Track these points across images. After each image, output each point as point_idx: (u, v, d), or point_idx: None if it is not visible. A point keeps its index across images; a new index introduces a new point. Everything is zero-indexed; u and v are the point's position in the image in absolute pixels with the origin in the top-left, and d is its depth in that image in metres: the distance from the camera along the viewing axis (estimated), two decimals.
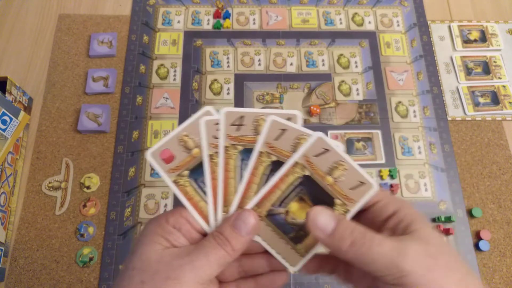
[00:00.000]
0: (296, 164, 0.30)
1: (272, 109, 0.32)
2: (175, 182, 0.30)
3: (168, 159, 0.30)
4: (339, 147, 0.30)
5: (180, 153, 0.30)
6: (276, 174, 0.30)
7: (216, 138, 0.31)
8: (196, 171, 0.30)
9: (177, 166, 0.30)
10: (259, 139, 0.30)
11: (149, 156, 0.30)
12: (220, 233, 0.28)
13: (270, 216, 0.30)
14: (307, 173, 0.30)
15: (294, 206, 0.30)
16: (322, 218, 0.28)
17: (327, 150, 0.29)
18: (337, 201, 0.29)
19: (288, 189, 0.30)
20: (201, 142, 0.30)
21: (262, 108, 0.68)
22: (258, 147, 0.30)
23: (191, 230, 0.29)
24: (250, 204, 0.30)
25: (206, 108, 0.31)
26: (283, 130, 0.30)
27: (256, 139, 0.30)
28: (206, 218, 0.30)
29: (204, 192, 0.30)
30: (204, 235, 0.29)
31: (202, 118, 0.30)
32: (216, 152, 0.30)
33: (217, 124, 0.31)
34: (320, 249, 0.29)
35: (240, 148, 0.31)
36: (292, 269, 0.30)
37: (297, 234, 0.30)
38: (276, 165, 0.30)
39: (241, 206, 0.30)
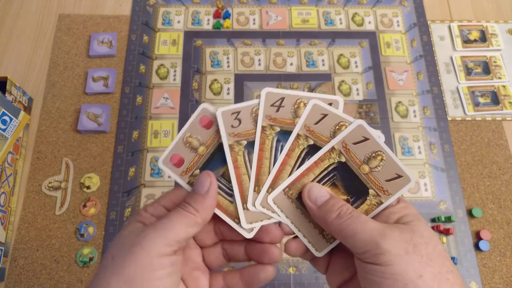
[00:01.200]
0: (333, 149, 0.30)
1: (314, 93, 0.31)
2: (189, 183, 0.31)
3: (179, 163, 0.31)
4: (380, 137, 0.29)
5: (188, 154, 0.31)
6: (312, 157, 0.29)
7: (234, 127, 0.31)
8: (205, 168, 0.31)
9: (187, 168, 0.31)
10: (299, 121, 0.30)
11: (161, 165, 0.31)
12: (184, 202, 0.29)
13: (301, 198, 0.30)
14: (343, 159, 0.30)
15: None
16: (316, 191, 0.29)
17: (366, 138, 0.29)
18: (371, 191, 0.29)
19: (322, 173, 0.30)
20: (220, 133, 0.30)
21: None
22: (297, 129, 0.30)
23: None
24: (282, 185, 0.30)
25: (202, 105, 0.31)
26: (324, 115, 0.30)
27: (295, 122, 0.30)
28: (231, 216, 0.30)
29: (225, 190, 0.30)
30: None
31: (218, 110, 0.31)
32: (236, 142, 0.31)
33: (233, 113, 0.31)
34: None
35: (278, 129, 0.30)
36: (317, 254, 0.30)
37: None
38: (313, 149, 0.30)
39: (273, 186, 0.30)
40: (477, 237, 0.60)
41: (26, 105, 0.65)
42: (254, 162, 0.30)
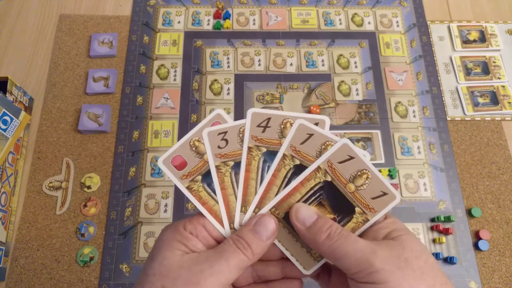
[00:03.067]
0: (318, 169, 0.30)
1: (300, 113, 0.32)
2: (189, 188, 0.30)
3: (181, 166, 0.30)
4: (365, 156, 0.29)
5: (192, 159, 0.30)
6: (297, 177, 0.30)
7: (221, 147, 0.30)
8: (209, 175, 0.30)
9: (189, 172, 0.30)
10: (285, 141, 0.30)
11: (161, 164, 0.30)
12: (240, 237, 0.28)
13: (287, 218, 0.30)
14: (329, 179, 0.30)
15: None
16: (304, 212, 0.29)
17: (351, 157, 0.29)
18: (357, 209, 0.29)
19: (308, 193, 0.30)
20: (207, 154, 0.30)
21: (263, 107, 0.68)
22: (283, 149, 0.30)
23: (208, 237, 0.29)
24: (269, 205, 0.30)
25: (217, 111, 0.31)
26: (310, 134, 0.30)
27: (281, 142, 0.30)
28: (222, 222, 0.30)
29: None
30: (220, 242, 0.29)
31: (204, 129, 0.30)
32: (223, 162, 0.30)
33: (220, 134, 0.30)
34: None
35: (264, 149, 0.31)
36: (305, 272, 0.30)
37: None
38: (299, 169, 0.30)
39: (259, 206, 0.30)
40: (477, 236, 0.60)
41: (26, 105, 0.65)
42: (240, 183, 0.30)
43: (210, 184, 0.30)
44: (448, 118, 0.68)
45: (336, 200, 0.30)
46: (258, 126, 0.31)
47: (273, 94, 0.69)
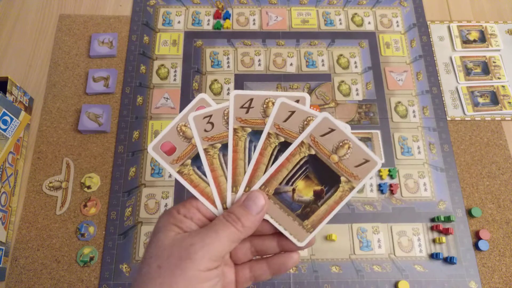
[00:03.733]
0: (302, 144, 0.31)
1: (280, 91, 0.33)
2: (180, 172, 0.31)
3: (170, 151, 0.31)
4: (346, 128, 0.31)
5: (180, 144, 0.31)
6: (283, 154, 0.31)
7: (207, 131, 0.31)
8: (198, 158, 0.31)
9: (179, 157, 0.31)
10: (269, 121, 0.31)
11: (151, 150, 0.31)
12: (231, 213, 0.29)
13: (278, 194, 0.31)
14: (313, 152, 0.31)
15: (300, 184, 0.31)
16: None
17: (332, 129, 0.31)
18: (343, 179, 0.31)
19: (294, 168, 0.31)
20: (194, 138, 0.31)
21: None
22: (267, 129, 0.31)
23: (202, 218, 0.30)
24: (258, 183, 0.31)
25: (200, 95, 0.32)
26: (292, 112, 0.31)
27: (265, 122, 0.31)
28: (214, 203, 0.31)
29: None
30: None
31: (190, 114, 0.31)
32: (211, 145, 0.31)
33: (205, 117, 0.31)
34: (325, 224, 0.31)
35: (249, 130, 0.32)
36: (299, 244, 0.31)
37: (303, 211, 0.31)
38: (284, 146, 0.31)
39: (249, 185, 0.31)
40: (477, 236, 0.60)
41: (26, 105, 0.65)
42: (229, 164, 0.31)
43: (200, 167, 0.31)
44: (448, 118, 0.68)
45: (321, 172, 0.31)
46: (242, 107, 0.32)
47: None
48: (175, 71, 0.70)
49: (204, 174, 0.31)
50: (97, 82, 0.68)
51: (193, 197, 0.31)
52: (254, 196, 0.30)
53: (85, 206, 0.60)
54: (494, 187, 0.63)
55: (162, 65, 0.70)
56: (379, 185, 0.62)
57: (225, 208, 0.31)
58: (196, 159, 0.31)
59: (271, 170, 0.31)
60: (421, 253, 0.59)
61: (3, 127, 0.56)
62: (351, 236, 0.60)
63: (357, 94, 0.69)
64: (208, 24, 0.74)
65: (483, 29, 0.74)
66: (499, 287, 0.57)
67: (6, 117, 0.57)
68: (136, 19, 0.74)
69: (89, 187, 0.61)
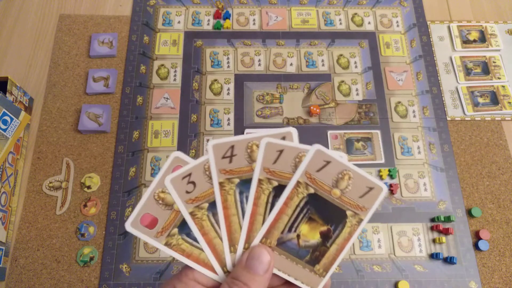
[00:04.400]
0: (298, 184, 0.28)
1: (260, 129, 0.30)
2: (168, 244, 0.28)
3: (151, 224, 0.28)
4: (342, 157, 0.28)
5: (161, 213, 0.28)
6: (279, 199, 0.28)
7: (189, 192, 0.28)
8: (186, 225, 0.28)
9: (163, 227, 0.28)
10: (256, 166, 0.28)
11: (129, 227, 0.28)
12: (235, 279, 0.26)
13: (281, 244, 0.28)
14: (311, 191, 0.28)
15: (304, 228, 0.28)
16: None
17: (328, 162, 0.28)
18: (349, 213, 0.28)
19: (295, 212, 0.28)
20: (176, 203, 0.28)
21: (263, 107, 0.68)
22: (256, 175, 0.28)
23: None
24: (258, 237, 0.28)
25: (174, 154, 0.29)
26: (280, 151, 0.28)
27: (253, 168, 0.28)
28: (213, 269, 0.28)
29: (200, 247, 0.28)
30: None
31: (167, 179, 0.28)
32: (197, 207, 0.28)
33: (184, 177, 0.28)
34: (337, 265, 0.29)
35: (237, 181, 0.28)
36: None
37: (312, 255, 0.28)
38: (279, 190, 0.28)
39: (248, 241, 0.28)
40: (477, 236, 0.60)
41: (26, 105, 0.65)
42: (221, 223, 0.28)
43: (189, 234, 0.28)
44: (448, 118, 0.68)
45: (325, 210, 0.28)
46: (223, 157, 0.28)
47: (273, 94, 0.69)
48: (175, 71, 0.70)
49: (196, 240, 0.28)
50: (97, 82, 0.68)
51: (188, 267, 0.27)
52: (257, 253, 0.27)
53: (85, 206, 0.60)
54: (494, 187, 0.63)
55: (162, 65, 0.70)
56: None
57: (226, 272, 0.28)
58: (183, 226, 0.28)
59: (270, 219, 0.28)
60: (421, 253, 0.59)
61: (3, 127, 0.56)
62: None
63: (357, 94, 0.69)
64: (208, 24, 0.74)
65: (483, 29, 0.74)
66: (499, 287, 0.57)
67: (6, 117, 0.57)
68: (136, 19, 0.74)
69: (89, 187, 0.61)
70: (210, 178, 0.28)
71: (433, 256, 0.58)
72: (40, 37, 0.72)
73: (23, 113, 0.61)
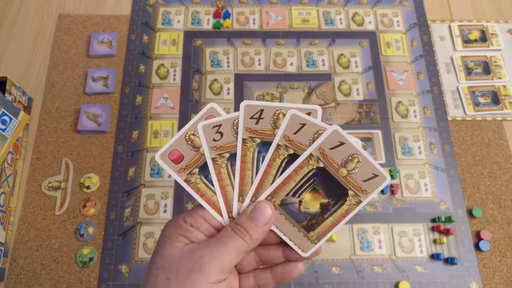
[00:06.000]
0: (311, 156, 0.31)
1: (292, 103, 0.32)
2: (187, 180, 0.31)
3: (178, 159, 0.31)
4: (356, 142, 0.30)
5: (188, 152, 0.31)
6: (291, 165, 0.31)
7: (216, 140, 0.31)
8: (205, 168, 0.31)
9: (186, 165, 0.31)
10: (278, 132, 0.31)
11: (158, 159, 0.31)
12: (238, 224, 0.29)
13: (284, 205, 0.31)
14: (321, 165, 0.31)
15: (307, 196, 0.31)
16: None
17: (342, 143, 0.30)
18: (350, 192, 0.31)
19: (302, 180, 0.31)
20: (202, 147, 0.31)
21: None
22: (277, 140, 0.31)
23: (209, 227, 0.30)
24: (265, 194, 0.31)
25: (210, 104, 0.32)
26: (302, 124, 0.31)
27: (275, 133, 0.31)
28: (220, 212, 0.30)
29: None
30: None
31: (199, 123, 0.31)
32: (219, 155, 0.31)
33: (214, 127, 0.31)
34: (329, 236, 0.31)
35: (258, 141, 0.31)
36: (304, 255, 0.31)
37: (309, 222, 0.31)
38: (293, 157, 0.31)
39: (256, 195, 0.31)
40: (477, 237, 0.60)
41: (25, 105, 0.65)
42: (237, 174, 0.31)
43: (207, 176, 0.31)
44: (449, 118, 0.68)
45: (329, 185, 0.31)
46: (252, 118, 0.31)
47: (273, 94, 0.69)
48: (175, 71, 0.70)
49: (211, 183, 0.31)
50: (96, 81, 0.68)
51: (199, 206, 0.30)
52: (261, 207, 0.30)
53: (84, 206, 0.60)
54: (495, 187, 0.63)
55: (162, 64, 0.70)
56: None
57: (231, 218, 0.31)
58: (203, 168, 0.31)
59: (279, 181, 0.31)
60: (421, 254, 0.59)
61: (2, 127, 0.56)
62: (351, 236, 0.60)
63: (358, 94, 0.69)
64: (207, 23, 0.74)
65: (484, 29, 0.74)
66: None
67: (5, 117, 0.57)
68: (135, 18, 0.74)
69: (88, 187, 0.61)
70: (237, 133, 0.31)
71: (434, 257, 0.58)
72: (39, 37, 0.72)
73: (22, 113, 0.60)
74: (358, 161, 0.30)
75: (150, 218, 0.60)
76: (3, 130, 0.56)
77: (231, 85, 0.69)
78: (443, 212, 0.61)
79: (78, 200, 0.61)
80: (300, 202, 0.31)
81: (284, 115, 0.31)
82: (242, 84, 0.69)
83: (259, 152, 0.31)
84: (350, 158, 0.30)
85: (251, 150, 0.31)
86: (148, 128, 0.65)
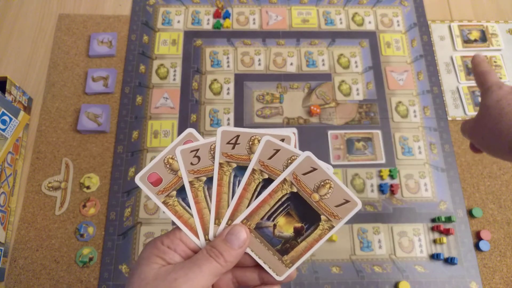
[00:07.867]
0: (285, 181, 0.32)
1: (266, 129, 0.34)
2: (165, 203, 0.32)
3: (156, 182, 0.32)
4: (328, 169, 0.31)
5: (167, 175, 0.32)
6: (266, 190, 0.32)
7: (193, 164, 0.32)
8: (183, 190, 0.32)
9: (165, 188, 0.32)
10: (254, 157, 0.32)
11: (138, 181, 0.32)
12: (213, 247, 0.30)
13: (259, 229, 0.32)
14: (294, 190, 0.32)
15: (281, 220, 0.32)
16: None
17: (314, 169, 0.31)
18: (323, 217, 0.31)
19: (276, 204, 0.32)
20: (180, 171, 0.32)
21: (263, 107, 0.68)
22: (252, 165, 0.32)
23: (186, 249, 0.31)
24: (241, 217, 0.32)
25: (188, 130, 0.33)
26: (277, 150, 0.32)
27: (250, 158, 0.32)
28: (197, 234, 0.31)
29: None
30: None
31: (177, 148, 0.32)
32: (196, 178, 0.32)
33: (192, 151, 0.32)
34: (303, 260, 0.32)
35: (234, 165, 0.33)
36: (278, 278, 0.32)
37: (283, 246, 0.32)
38: (268, 182, 0.32)
39: (232, 219, 0.32)
40: (477, 237, 0.60)
41: (25, 105, 0.65)
42: (213, 197, 0.32)
43: (184, 199, 0.32)
44: (449, 118, 0.68)
45: (302, 210, 0.32)
46: (228, 143, 0.33)
47: (273, 94, 0.69)
48: (175, 71, 0.70)
49: (188, 206, 0.32)
50: (96, 81, 0.68)
51: (177, 228, 0.31)
52: (236, 230, 0.30)
53: (84, 206, 0.60)
54: (495, 188, 0.63)
55: (162, 64, 0.70)
56: (380, 186, 0.62)
57: (207, 240, 0.31)
58: (181, 191, 0.32)
59: (254, 204, 0.32)
60: (421, 254, 0.59)
61: (2, 127, 0.56)
62: (351, 236, 0.60)
63: (358, 94, 0.69)
64: (207, 23, 0.74)
65: (484, 29, 0.74)
66: None
67: (5, 117, 0.57)
68: (135, 18, 0.74)
69: (88, 187, 0.61)
70: (213, 157, 0.33)
71: (434, 257, 0.58)
72: (40, 37, 0.72)
73: (22, 113, 0.60)
74: (330, 187, 0.31)
75: (150, 218, 0.60)
76: (3, 130, 0.56)
77: (231, 85, 0.69)
78: (443, 212, 0.61)
79: (78, 200, 0.61)
80: (275, 225, 0.32)
81: (259, 141, 0.32)
82: (242, 84, 0.69)
83: (235, 176, 0.32)
84: (322, 183, 0.31)
85: (227, 174, 0.32)
86: (148, 128, 0.65)
